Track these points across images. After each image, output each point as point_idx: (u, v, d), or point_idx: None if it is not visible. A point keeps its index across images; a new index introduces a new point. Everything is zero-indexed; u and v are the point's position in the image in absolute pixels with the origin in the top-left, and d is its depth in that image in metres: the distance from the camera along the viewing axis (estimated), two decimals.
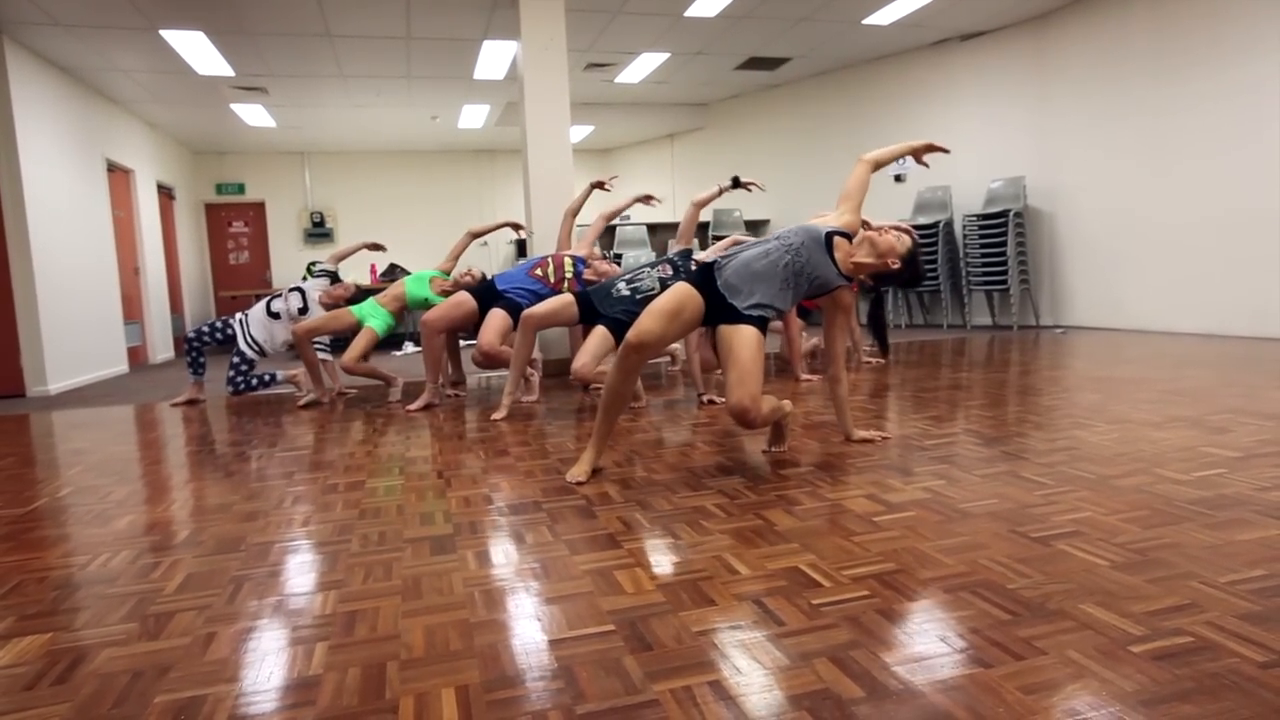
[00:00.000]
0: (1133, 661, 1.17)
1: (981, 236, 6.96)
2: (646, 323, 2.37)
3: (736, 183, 4.02)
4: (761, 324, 2.43)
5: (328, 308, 4.56)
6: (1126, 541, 1.67)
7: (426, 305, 4.41)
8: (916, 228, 7.35)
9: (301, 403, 4.35)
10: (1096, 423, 2.88)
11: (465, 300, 4.02)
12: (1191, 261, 5.85)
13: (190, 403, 4.67)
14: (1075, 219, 6.70)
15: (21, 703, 1.21)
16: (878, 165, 2.68)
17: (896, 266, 2.54)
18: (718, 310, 2.45)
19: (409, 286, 4.47)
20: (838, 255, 2.53)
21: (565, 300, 3.67)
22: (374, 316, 4.40)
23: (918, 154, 2.77)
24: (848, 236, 2.59)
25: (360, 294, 4.74)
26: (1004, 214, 6.77)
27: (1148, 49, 6.01)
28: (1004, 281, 6.84)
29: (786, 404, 2.65)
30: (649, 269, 3.72)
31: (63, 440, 3.66)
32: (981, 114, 7.24)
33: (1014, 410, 3.21)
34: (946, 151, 2.81)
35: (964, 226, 7.11)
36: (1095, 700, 1.07)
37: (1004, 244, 6.79)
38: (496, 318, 3.92)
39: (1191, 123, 5.76)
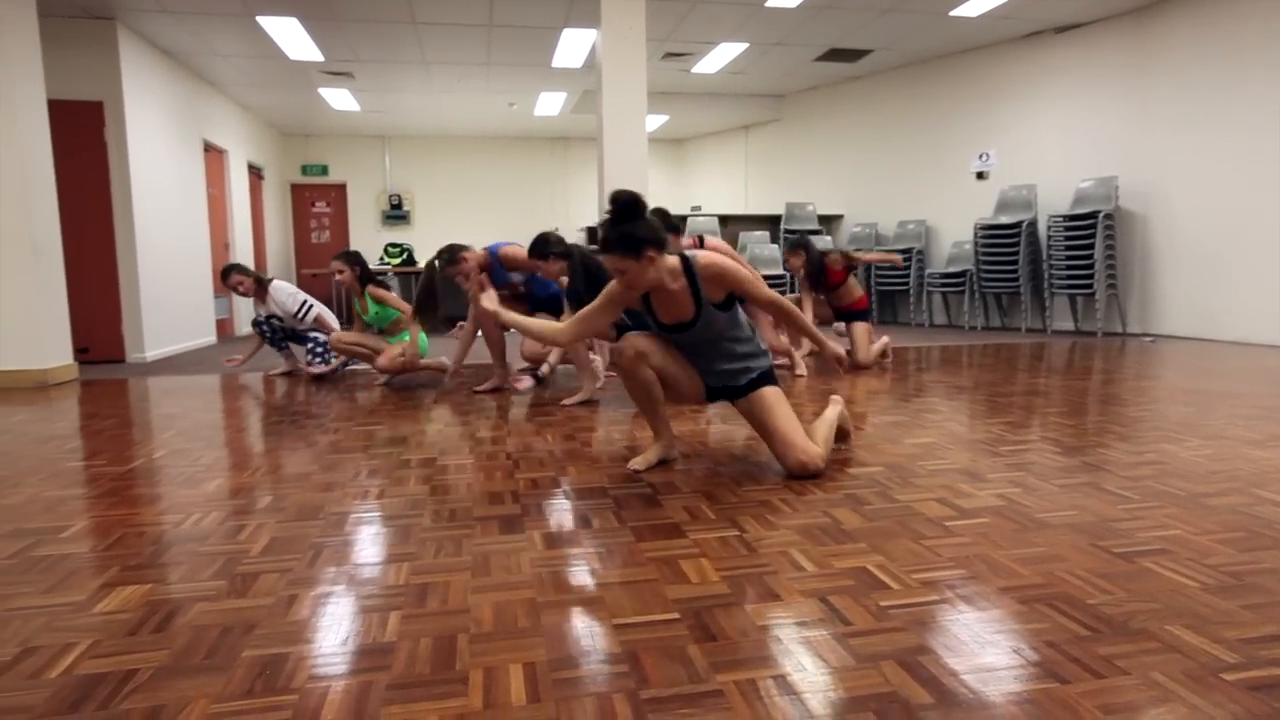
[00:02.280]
0: (1225, 690, 1.11)
1: (1067, 238, 6.68)
2: (642, 340, 2.33)
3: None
4: (770, 380, 2.37)
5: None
6: (1219, 563, 1.59)
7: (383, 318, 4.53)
8: (998, 227, 7.11)
9: (380, 380, 4.51)
10: (1188, 437, 2.74)
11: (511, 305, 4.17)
12: None
13: (287, 374, 4.93)
14: (1171, 223, 6.36)
15: (127, 646, 1.30)
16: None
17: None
18: (721, 391, 2.43)
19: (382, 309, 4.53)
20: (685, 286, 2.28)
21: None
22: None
23: None
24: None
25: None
26: (1093, 215, 6.48)
27: (1264, 42, 5.64)
28: (1089, 285, 6.56)
29: (836, 405, 2.57)
30: None
31: (157, 405, 3.88)
32: (1073, 110, 6.93)
33: (1096, 420, 3.08)
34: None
35: (1049, 227, 6.84)
36: None
37: (1091, 246, 6.50)
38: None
39: None
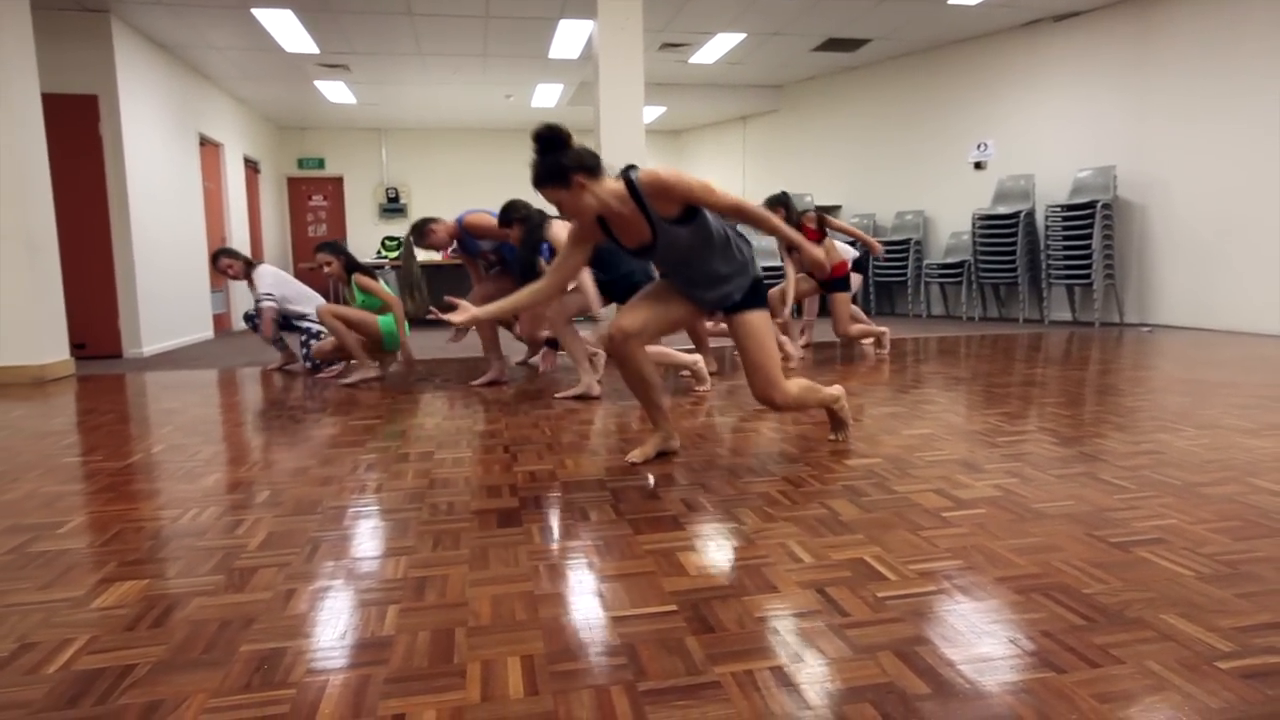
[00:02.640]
0: (1219, 678, 1.12)
1: (1065, 228, 6.67)
2: (626, 317, 2.32)
3: None
4: (758, 300, 2.31)
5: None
6: (1215, 552, 1.59)
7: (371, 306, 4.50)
8: (996, 217, 7.10)
9: (352, 379, 4.31)
10: (1184, 427, 2.74)
11: (504, 279, 4.14)
12: None
13: (281, 369, 4.93)
14: (1169, 213, 6.35)
15: (124, 641, 1.30)
16: None
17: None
18: (715, 306, 2.38)
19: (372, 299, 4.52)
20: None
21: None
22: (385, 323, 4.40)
23: None
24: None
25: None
26: (1091, 205, 6.47)
27: (1264, 31, 5.62)
28: (1087, 276, 6.55)
29: (835, 390, 2.57)
30: None
31: (155, 400, 3.87)
32: (1072, 99, 6.91)
33: (1093, 410, 3.09)
34: None
35: (1047, 217, 6.83)
36: (1176, 715, 1.03)
37: (1089, 236, 6.49)
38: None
39: None
